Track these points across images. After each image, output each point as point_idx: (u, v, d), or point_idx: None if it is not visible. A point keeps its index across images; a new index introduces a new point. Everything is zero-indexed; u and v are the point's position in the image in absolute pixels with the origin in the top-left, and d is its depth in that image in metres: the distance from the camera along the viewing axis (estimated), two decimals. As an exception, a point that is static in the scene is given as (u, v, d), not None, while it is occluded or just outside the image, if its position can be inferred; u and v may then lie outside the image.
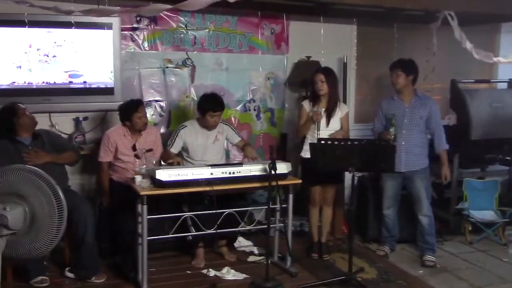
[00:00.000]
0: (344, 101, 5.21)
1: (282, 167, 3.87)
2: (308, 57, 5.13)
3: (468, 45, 3.96)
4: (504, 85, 5.75)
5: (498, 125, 5.18)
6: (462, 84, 5.36)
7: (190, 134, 4.33)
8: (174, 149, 4.31)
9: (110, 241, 4.19)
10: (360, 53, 5.54)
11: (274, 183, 3.71)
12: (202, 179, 3.69)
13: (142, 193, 3.55)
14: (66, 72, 4.37)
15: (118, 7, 3.31)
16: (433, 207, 4.56)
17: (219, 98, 4.35)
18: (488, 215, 5.08)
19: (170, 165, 4.07)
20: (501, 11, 4.84)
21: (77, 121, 4.58)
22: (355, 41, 5.48)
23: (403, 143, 4.35)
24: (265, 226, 4.37)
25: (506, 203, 5.47)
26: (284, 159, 5.01)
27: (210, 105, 4.24)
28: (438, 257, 4.52)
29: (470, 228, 5.05)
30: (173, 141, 4.31)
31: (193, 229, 3.98)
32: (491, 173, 5.47)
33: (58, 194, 2.52)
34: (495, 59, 3.72)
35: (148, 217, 3.61)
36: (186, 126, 4.35)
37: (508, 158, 5.46)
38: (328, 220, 4.54)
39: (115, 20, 4.43)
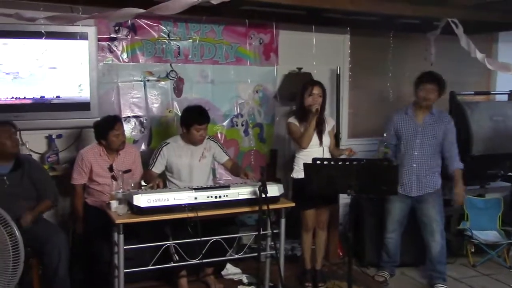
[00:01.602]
0: (338, 115, 4.92)
1: (274, 190, 3.53)
2: (299, 69, 4.82)
3: (479, 55, 3.68)
4: (504, 97, 5.50)
5: (499, 140, 4.94)
6: (460, 96, 5.10)
7: (174, 152, 3.96)
8: (156, 169, 3.94)
9: (85, 272, 3.81)
10: (354, 64, 5.24)
11: (265, 207, 3.37)
12: (185, 204, 3.33)
13: (118, 221, 3.18)
14: (37, 86, 4.00)
15: (86, 15, 2.93)
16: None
17: (204, 110, 4.00)
18: (491, 235, 4.82)
19: (151, 188, 3.68)
20: (499, 20, 4.59)
21: (50, 139, 4.21)
22: (349, 51, 5.18)
23: (414, 165, 4.04)
24: (255, 254, 4.06)
25: (508, 222, 5.21)
26: (274, 177, 4.70)
27: (195, 118, 3.89)
28: (442, 282, 4.22)
29: (472, 250, 4.77)
30: (154, 160, 3.94)
31: (176, 257, 3.61)
32: (491, 190, 5.20)
33: (14, 233, 2.16)
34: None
35: (125, 247, 3.24)
36: (169, 143, 3.99)
37: (510, 174, 5.19)
38: (322, 244, 4.21)
39: (91, 30, 4.09)
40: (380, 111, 5.28)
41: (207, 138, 4.09)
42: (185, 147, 3.99)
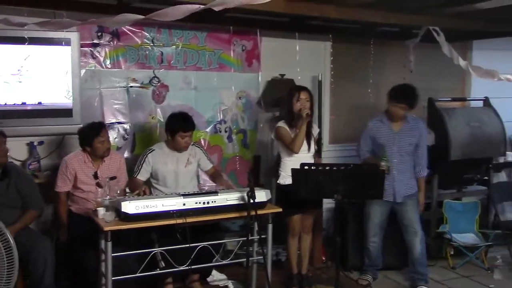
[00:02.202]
0: (320, 122, 4.98)
1: (261, 195, 3.55)
2: (282, 75, 4.86)
3: (462, 62, 3.78)
4: (479, 103, 5.66)
5: (475, 145, 5.07)
6: (438, 102, 5.23)
7: (159, 159, 3.94)
8: (142, 176, 3.91)
9: (69, 281, 3.75)
10: (335, 71, 5.31)
11: (252, 213, 3.39)
12: (173, 210, 3.32)
13: (106, 228, 3.15)
14: (19, 92, 3.93)
15: (80, 21, 2.90)
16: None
17: (189, 117, 3.99)
18: (470, 238, 4.93)
19: (137, 196, 3.65)
20: (479, 28, 4.73)
21: (31, 146, 4.14)
22: (331, 58, 5.25)
23: (395, 172, 4.09)
24: (242, 260, 4.06)
25: (485, 224, 5.35)
26: (257, 183, 4.72)
27: (180, 125, 3.87)
28: (424, 285, 4.30)
29: (452, 252, 4.87)
30: (139, 167, 3.91)
31: (163, 263, 3.59)
32: (467, 193, 5.35)
33: (7, 240, 2.12)
34: (502, 76, 3.49)
35: (113, 254, 3.21)
36: (153, 149, 3.96)
37: (486, 178, 5.33)
38: (308, 249, 4.24)
39: (73, 36, 4.05)
40: (361, 117, 5.35)
41: (192, 145, 4.09)
42: (170, 154, 3.97)
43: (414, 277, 4.26)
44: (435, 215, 5.04)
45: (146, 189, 3.68)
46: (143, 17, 2.40)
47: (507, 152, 5.66)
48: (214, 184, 4.47)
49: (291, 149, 3.93)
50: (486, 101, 5.54)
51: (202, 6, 2.24)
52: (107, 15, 3.65)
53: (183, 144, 3.91)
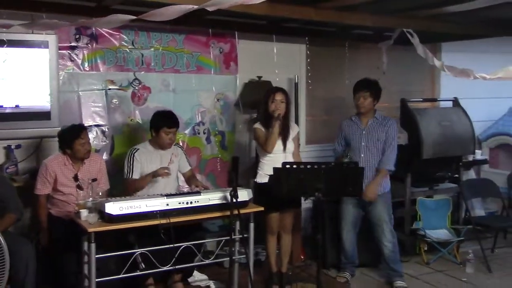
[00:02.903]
0: (296, 122, 5.05)
1: (243, 194, 3.61)
2: (259, 77, 4.93)
3: (437, 62, 3.92)
4: (448, 104, 5.85)
5: (446, 144, 5.22)
6: (410, 103, 5.38)
7: (145, 157, 3.97)
8: (136, 175, 3.92)
9: (50, 285, 3.72)
10: (311, 73, 5.41)
11: (235, 212, 3.44)
12: (157, 211, 3.34)
13: (90, 230, 3.15)
14: (-5, 94, 3.89)
15: (68, 22, 2.90)
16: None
17: (174, 115, 4.07)
18: (442, 234, 5.08)
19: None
20: (444, 30, 4.89)
21: (8, 150, 4.09)
22: (308, 60, 5.35)
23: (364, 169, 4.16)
24: (223, 259, 4.11)
25: (456, 220, 5.53)
26: (236, 184, 4.76)
27: (165, 121, 3.94)
28: (400, 280, 4.43)
29: (425, 248, 5.01)
30: (131, 167, 3.91)
31: (143, 265, 3.60)
32: (439, 191, 5.50)
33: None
34: (478, 75, 3.63)
35: (97, 256, 3.21)
36: (138, 148, 3.99)
37: (457, 176, 5.51)
38: (288, 248, 4.30)
39: (51, 38, 4.02)
40: (337, 118, 5.46)
41: (175, 145, 4.13)
42: (154, 153, 4.01)
43: (390, 274, 4.37)
44: (409, 212, 5.17)
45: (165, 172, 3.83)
46: (135, 17, 2.42)
47: (476, 151, 5.88)
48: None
49: (264, 150, 4.04)
50: (456, 101, 5.73)
51: (195, 6, 2.28)
52: (86, 17, 3.69)
53: (167, 141, 3.95)
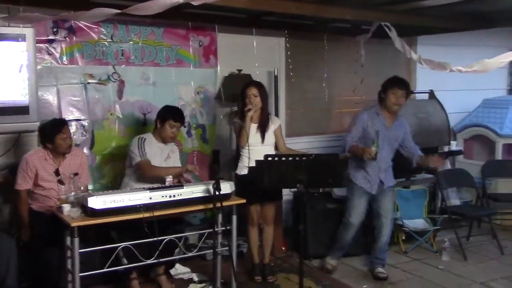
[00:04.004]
0: (276, 115, 5.09)
1: (226, 187, 3.63)
2: (239, 70, 4.95)
3: (414, 56, 4.00)
4: (424, 96, 5.96)
5: (423, 135, 5.33)
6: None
7: (150, 148, 3.97)
8: (150, 157, 3.92)
9: (33, 281, 3.70)
10: (291, 66, 5.45)
11: (218, 204, 3.46)
12: (140, 204, 3.34)
13: (74, 224, 3.14)
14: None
15: (51, 16, 2.86)
16: (366, 218, 4.50)
17: (182, 112, 4.15)
18: (419, 223, 5.20)
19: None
20: (420, 24, 4.98)
21: (-15, 145, 4.03)
22: (288, 53, 5.39)
23: (382, 164, 4.22)
24: (206, 252, 4.15)
25: (432, 210, 5.66)
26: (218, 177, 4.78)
27: (172, 114, 4.00)
28: (379, 268, 4.53)
29: (403, 238, 5.12)
30: (143, 150, 3.90)
31: (125, 260, 3.61)
32: (416, 181, 5.60)
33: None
34: (454, 68, 3.71)
35: (80, 250, 3.20)
36: (145, 138, 4.00)
37: (433, 167, 5.62)
38: (270, 239, 4.36)
39: (28, 31, 3.93)
40: (316, 110, 5.55)
41: (172, 143, 4.18)
42: (156, 145, 4.04)
43: (374, 262, 4.45)
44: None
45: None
46: (119, 11, 2.41)
47: (451, 142, 6.01)
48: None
49: (238, 143, 4.17)
50: (431, 93, 5.85)
51: (181, 0, 2.28)
52: (65, 11, 3.65)
53: (170, 134, 4.00)
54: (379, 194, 4.31)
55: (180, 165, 4.21)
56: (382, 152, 4.12)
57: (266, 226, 4.33)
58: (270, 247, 4.41)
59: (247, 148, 4.10)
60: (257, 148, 4.07)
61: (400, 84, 4.14)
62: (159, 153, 4.02)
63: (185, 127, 4.87)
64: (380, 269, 4.39)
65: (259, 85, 4.19)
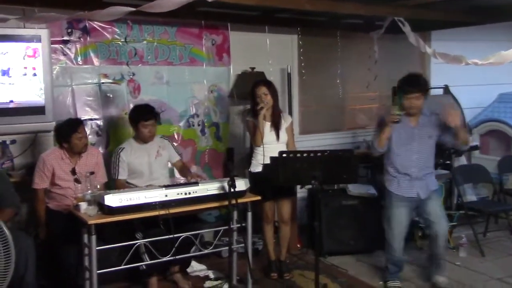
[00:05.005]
0: (290, 113, 5.09)
1: (241, 184, 3.63)
2: (252, 68, 4.96)
3: (429, 50, 3.97)
4: (439, 91, 5.91)
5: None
6: (402, 91, 5.43)
7: (131, 154, 4.00)
8: (122, 176, 3.97)
9: (50, 279, 3.74)
10: (304, 63, 5.45)
11: (233, 201, 3.47)
12: (156, 202, 3.36)
13: (91, 222, 3.17)
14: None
15: (66, 16, 2.89)
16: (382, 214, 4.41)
17: (150, 107, 4.09)
18: (436, 220, 5.14)
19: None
20: (435, 18, 4.95)
21: (3, 145, 4.09)
22: (301, 50, 5.39)
23: (413, 169, 3.85)
24: (221, 249, 4.16)
25: (449, 206, 5.62)
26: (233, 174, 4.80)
27: (141, 115, 3.98)
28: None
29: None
30: (117, 168, 3.96)
31: (147, 257, 3.64)
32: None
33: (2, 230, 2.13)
34: (470, 61, 3.68)
35: (97, 248, 3.23)
36: (123, 147, 4.03)
37: (448, 162, 5.58)
38: (287, 237, 4.36)
39: (43, 32, 3.99)
40: (329, 107, 5.53)
41: (161, 137, 4.18)
42: (140, 148, 4.04)
43: (433, 269, 4.11)
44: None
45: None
46: (134, 9, 2.43)
47: (467, 137, 5.94)
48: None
49: (253, 143, 4.15)
50: (446, 89, 5.81)
51: (192, -2, 2.30)
52: (78, 11, 3.69)
53: (147, 134, 3.98)
54: (423, 201, 3.90)
55: (178, 158, 4.23)
56: (412, 156, 3.83)
57: (282, 224, 4.33)
58: (287, 244, 4.40)
59: (261, 146, 4.09)
60: (273, 146, 4.06)
61: (409, 86, 3.74)
62: (146, 155, 4.03)
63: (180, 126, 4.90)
64: (439, 278, 4.07)
65: (268, 83, 4.18)
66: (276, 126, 4.13)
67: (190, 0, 2.33)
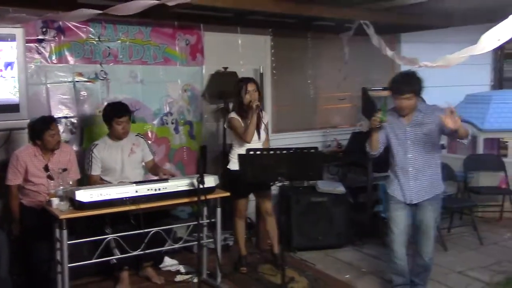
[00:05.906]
0: (262, 112, 5.24)
1: (210, 181, 3.77)
2: (225, 68, 5.08)
3: (389, 52, 4.13)
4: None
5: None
6: (371, 91, 5.60)
7: (104, 150, 4.10)
8: (95, 171, 4.07)
9: (23, 274, 3.82)
10: (276, 63, 5.59)
11: (202, 198, 3.60)
12: (126, 197, 3.48)
13: (62, 216, 3.27)
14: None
15: (37, 16, 2.98)
16: (350, 211, 4.50)
17: (123, 104, 4.20)
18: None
19: None
20: (401, 22, 5.12)
21: (-24, 143, 4.15)
22: (273, 51, 5.53)
23: (410, 169, 3.62)
24: (192, 244, 4.27)
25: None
26: (204, 172, 4.91)
27: (114, 112, 4.08)
28: (362, 260, 4.69)
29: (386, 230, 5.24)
30: (90, 164, 4.06)
31: (118, 251, 3.74)
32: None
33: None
34: (421, 63, 3.84)
35: (69, 242, 3.33)
36: (97, 144, 4.12)
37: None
38: (275, 228, 4.47)
39: (18, 31, 4.04)
40: (302, 107, 5.67)
41: (136, 135, 4.27)
42: (114, 145, 4.13)
43: (416, 282, 3.82)
44: (371, 197, 5.40)
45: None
46: (100, 11, 2.53)
47: (435, 137, 6.12)
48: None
49: (244, 139, 4.16)
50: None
51: (156, 2, 2.41)
52: (52, 11, 3.77)
53: (121, 131, 4.08)
54: (417, 207, 3.68)
55: (151, 158, 4.32)
56: (407, 155, 3.62)
57: (268, 217, 4.44)
58: (277, 236, 4.49)
59: (244, 145, 4.13)
60: (255, 145, 4.16)
61: (397, 90, 3.52)
62: (119, 152, 4.12)
63: (172, 123, 5.02)
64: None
65: (256, 82, 4.32)
66: (257, 125, 4.22)
67: (152, 4, 2.44)
